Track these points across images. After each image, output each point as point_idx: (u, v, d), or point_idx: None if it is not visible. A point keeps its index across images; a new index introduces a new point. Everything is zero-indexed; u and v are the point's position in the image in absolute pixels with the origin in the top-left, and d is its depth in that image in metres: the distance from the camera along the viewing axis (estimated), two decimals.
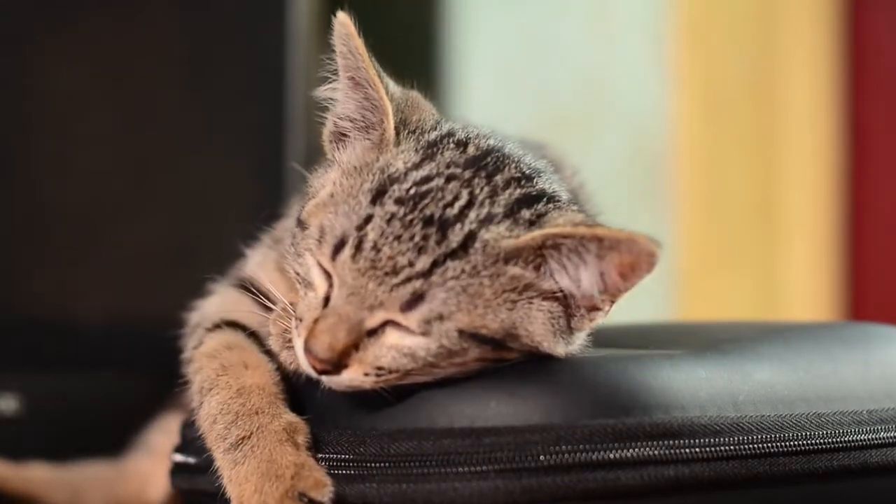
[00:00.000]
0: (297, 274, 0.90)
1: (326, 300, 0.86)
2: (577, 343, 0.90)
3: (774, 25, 2.26)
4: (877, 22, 2.35)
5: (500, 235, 0.85)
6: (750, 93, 2.26)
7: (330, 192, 0.90)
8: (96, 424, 1.45)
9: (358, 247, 0.84)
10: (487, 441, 0.84)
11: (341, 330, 0.84)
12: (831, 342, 0.99)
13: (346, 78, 0.92)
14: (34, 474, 1.33)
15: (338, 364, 0.85)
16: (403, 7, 2.37)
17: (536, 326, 0.86)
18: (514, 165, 0.91)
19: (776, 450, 0.87)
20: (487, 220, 0.86)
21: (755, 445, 0.87)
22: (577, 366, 0.87)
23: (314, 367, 0.85)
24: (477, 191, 0.87)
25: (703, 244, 2.22)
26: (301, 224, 0.91)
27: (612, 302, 0.88)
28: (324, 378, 0.86)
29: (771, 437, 0.87)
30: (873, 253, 2.35)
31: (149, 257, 1.56)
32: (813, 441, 0.89)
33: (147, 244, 1.56)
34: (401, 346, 0.84)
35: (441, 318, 0.84)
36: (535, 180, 0.90)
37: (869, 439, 0.91)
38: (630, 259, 0.84)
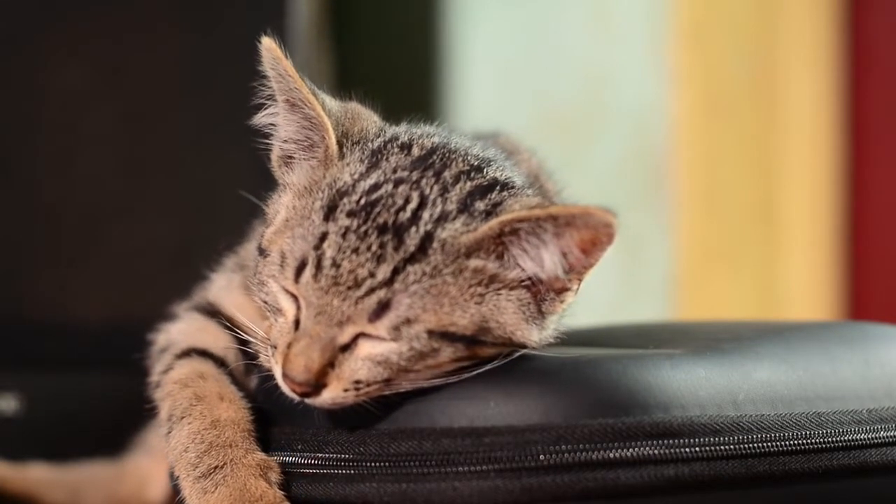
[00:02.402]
0: (266, 303, 0.89)
1: (297, 323, 0.86)
2: (551, 328, 0.90)
3: (774, 25, 2.26)
4: (877, 22, 2.35)
5: (458, 231, 0.85)
6: (750, 93, 2.26)
7: (285, 216, 0.90)
8: (96, 424, 1.45)
9: (318, 266, 0.84)
10: (487, 440, 0.84)
11: (315, 350, 0.84)
12: (831, 341, 0.99)
13: (282, 101, 0.92)
14: (34, 474, 1.33)
15: (316, 384, 0.85)
16: (403, 7, 2.37)
17: (507, 316, 0.86)
18: (461, 159, 0.91)
19: (776, 449, 0.87)
20: (442, 219, 0.86)
21: (755, 444, 0.87)
22: (576, 365, 0.87)
23: (295, 392, 0.86)
24: (427, 191, 0.87)
25: (703, 244, 2.22)
26: (262, 252, 0.91)
27: (580, 280, 0.88)
28: (307, 400, 0.86)
29: (770, 436, 0.87)
30: (873, 252, 2.35)
31: (149, 257, 1.56)
32: (812, 440, 0.89)
33: (147, 244, 1.56)
34: (374, 356, 0.84)
35: (409, 321, 0.84)
36: (485, 170, 0.90)
37: (868, 438, 0.91)
38: (588, 233, 0.84)
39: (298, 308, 0.86)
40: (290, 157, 0.93)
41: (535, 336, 0.88)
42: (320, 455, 0.88)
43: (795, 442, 0.88)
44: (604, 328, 1.13)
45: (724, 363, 0.91)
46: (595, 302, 2.25)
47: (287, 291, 0.87)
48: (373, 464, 0.86)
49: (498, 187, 0.89)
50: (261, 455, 0.90)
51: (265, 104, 0.93)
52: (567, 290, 0.88)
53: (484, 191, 0.88)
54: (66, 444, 1.40)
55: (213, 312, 1.00)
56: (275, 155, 0.95)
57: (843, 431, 0.91)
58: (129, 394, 1.03)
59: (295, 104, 0.91)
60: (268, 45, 0.91)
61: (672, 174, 2.21)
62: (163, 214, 1.57)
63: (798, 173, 2.29)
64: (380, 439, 0.86)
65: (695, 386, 0.88)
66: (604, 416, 0.84)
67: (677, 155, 2.21)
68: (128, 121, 1.58)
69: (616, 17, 2.25)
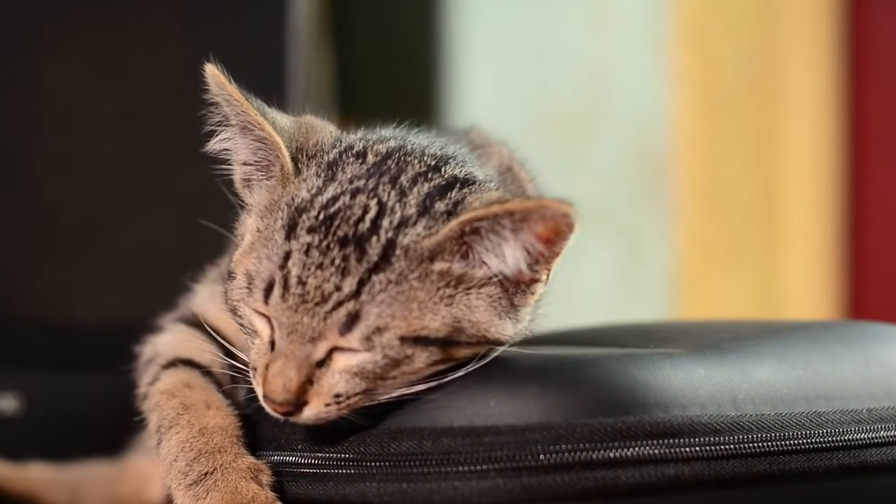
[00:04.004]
0: (242, 325, 0.89)
1: (273, 344, 0.86)
2: (526, 320, 0.90)
3: (774, 25, 2.26)
4: (877, 21, 2.35)
5: (419, 236, 0.85)
6: (750, 93, 2.26)
7: (250, 238, 0.90)
8: (96, 424, 1.45)
9: (285, 285, 0.84)
10: (487, 440, 0.84)
11: (291, 369, 0.84)
12: (831, 341, 0.99)
13: (233, 125, 0.92)
14: (34, 474, 1.33)
15: (297, 403, 0.85)
16: (403, 7, 2.37)
17: (480, 314, 0.86)
18: (417, 161, 0.90)
19: (776, 448, 0.87)
20: (402, 224, 0.85)
21: (755, 444, 0.87)
22: (577, 365, 0.87)
23: (277, 412, 0.86)
24: (385, 197, 0.86)
25: (703, 244, 2.22)
26: (230, 275, 0.90)
27: (549, 270, 0.87)
28: (291, 419, 0.86)
29: (770, 435, 0.87)
30: (873, 252, 2.36)
31: (149, 257, 1.56)
32: (812, 440, 0.89)
33: (147, 244, 1.56)
34: (350, 367, 0.84)
35: (379, 330, 0.84)
36: (442, 169, 0.90)
37: (868, 438, 0.91)
38: (548, 225, 0.84)
39: (272, 328, 0.86)
40: (250, 180, 0.93)
41: (510, 330, 0.88)
42: (320, 455, 0.88)
43: (795, 441, 0.88)
44: (604, 328, 1.12)
45: (724, 362, 0.91)
46: (595, 302, 2.25)
47: (259, 313, 0.87)
48: (373, 463, 0.86)
49: (458, 185, 0.88)
50: (250, 459, 0.90)
51: (217, 130, 0.93)
52: (537, 281, 0.88)
53: (443, 190, 0.88)
54: (66, 444, 1.40)
55: (197, 323, 1.00)
56: (236, 178, 0.94)
57: (843, 431, 0.91)
58: (129, 394, 1.03)
59: (246, 127, 0.91)
60: (211, 71, 0.91)
61: (672, 174, 2.21)
62: (163, 214, 1.57)
63: (798, 173, 2.29)
64: (380, 439, 0.86)
65: (695, 385, 0.88)
66: (604, 415, 0.84)
67: (677, 155, 2.21)
68: (128, 121, 1.57)
69: (616, 17, 2.25)
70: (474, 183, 0.89)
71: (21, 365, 1.52)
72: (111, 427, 1.31)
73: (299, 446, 0.89)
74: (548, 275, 0.88)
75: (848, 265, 2.35)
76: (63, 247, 1.56)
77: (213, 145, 0.94)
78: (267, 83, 1.59)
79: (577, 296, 2.13)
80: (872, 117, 2.35)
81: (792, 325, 1.07)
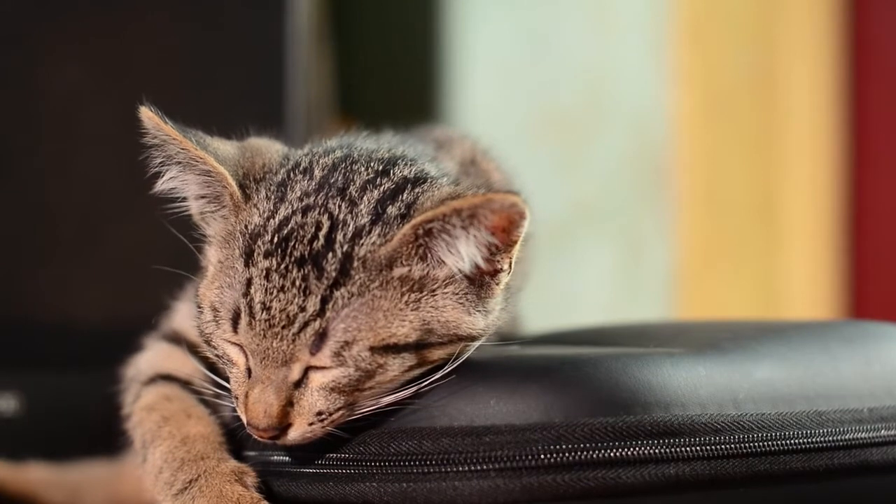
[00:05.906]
0: (218, 357, 0.90)
1: (250, 371, 0.86)
2: (497, 310, 0.89)
3: (775, 25, 2.26)
4: (878, 21, 2.35)
5: (375, 244, 0.85)
6: (750, 92, 2.26)
7: (212, 270, 0.90)
8: (96, 424, 1.45)
9: (250, 313, 0.85)
10: (487, 440, 0.84)
11: (270, 394, 0.85)
12: (832, 340, 0.99)
13: (175, 164, 0.91)
14: (34, 474, 1.33)
15: (281, 426, 0.85)
16: (404, 7, 2.37)
17: (448, 313, 0.86)
18: (363, 168, 0.90)
19: (776, 448, 0.87)
20: (357, 235, 0.85)
21: (755, 444, 0.87)
22: (577, 364, 0.87)
23: (263, 438, 0.86)
24: (336, 211, 0.86)
25: (704, 244, 2.22)
26: (198, 308, 0.91)
27: (510, 258, 0.87)
28: (278, 442, 0.86)
29: (771, 435, 0.87)
30: (874, 251, 2.35)
31: (148, 257, 1.56)
32: (813, 439, 0.89)
33: (146, 244, 1.56)
34: (326, 384, 0.85)
35: (348, 344, 0.84)
36: (391, 172, 0.89)
37: (869, 437, 0.91)
38: (498, 216, 0.84)
39: (246, 356, 0.87)
40: (204, 213, 0.93)
41: (482, 324, 0.88)
42: (320, 455, 0.88)
43: (796, 441, 0.88)
44: (604, 328, 1.12)
45: (724, 362, 0.91)
46: (595, 302, 2.25)
47: (231, 342, 0.87)
48: (373, 463, 0.86)
49: (409, 186, 0.88)
50: (234, 462, 0.90)
51: (161, 171, 0.92)
52: (499, 271, 0.87)
53: (394, 194, 0.87)
54: (66, 444, 1.40)
55: (178, 340, 1.01)
56: (193, 212, 0.94)
57: (843, 430, 0.91)
58: None
59: (188, 163, 0.91)
60: (146, 114, 0.91)
61: (672, 174, 2.21)
62: (162, 214, 1.57)
63: (798, 173, 2.29)
64: (380, 439, 0.86)
65: (695, 385, 0.88)
66: (604, 414, 0.84)
67: (677, 155, 2.21)
68: (128, 121, 1.57)
69: (616, 17, 2.25)
70: (426, 181, 0.89)
71: (21, 365, 1.52)
72: (111, 427, 1.31)
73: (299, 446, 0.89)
74: (510, 264, 0.87)
75: (848, 264, 2.35)
76: (63, 247, 1.55)
77: (162, 185, 0.93)
78: (267, 83, 1.59)
79: (577, 296, 2.13)
80: (873, 117, 2.35)
81: (792, 324, 1.07)
